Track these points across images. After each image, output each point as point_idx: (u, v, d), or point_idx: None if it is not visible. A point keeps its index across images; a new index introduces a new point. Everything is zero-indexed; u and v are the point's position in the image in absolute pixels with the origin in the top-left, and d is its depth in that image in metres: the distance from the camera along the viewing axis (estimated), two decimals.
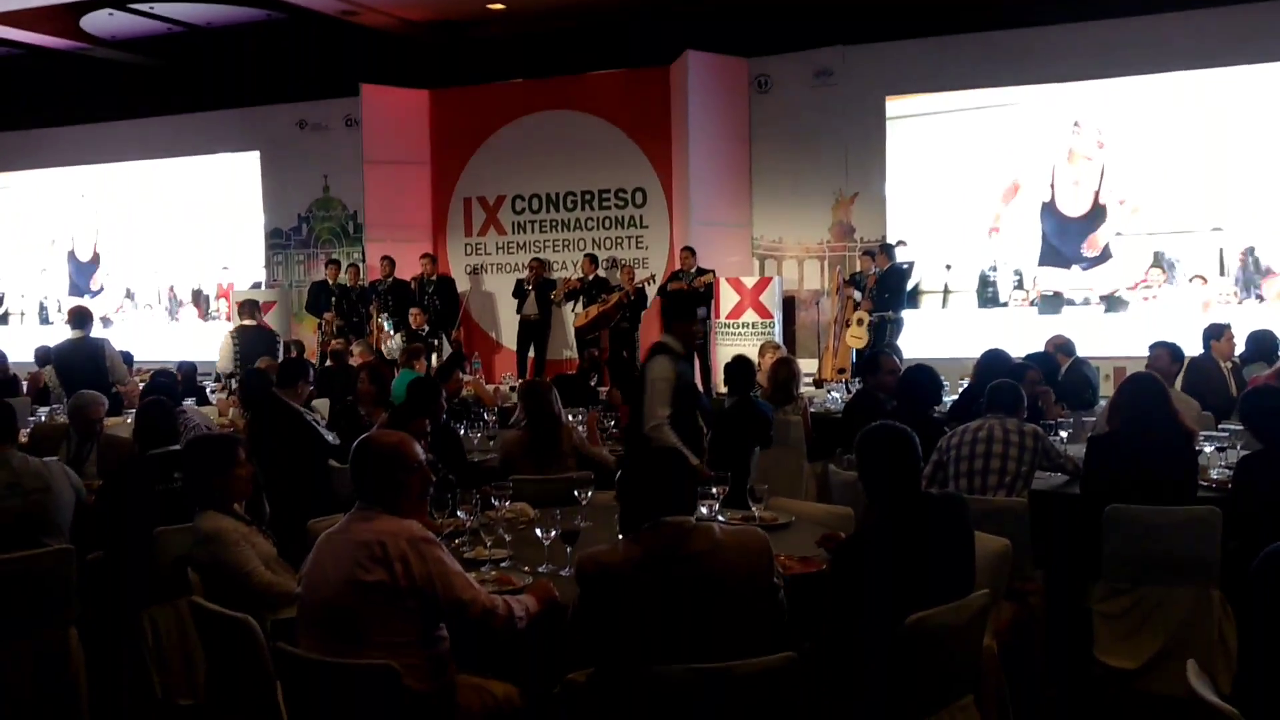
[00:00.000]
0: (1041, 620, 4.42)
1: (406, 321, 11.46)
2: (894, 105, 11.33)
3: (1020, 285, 10.91)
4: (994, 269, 11.02)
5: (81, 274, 15.18)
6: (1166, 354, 6.51)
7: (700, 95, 11.36)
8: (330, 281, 12.36)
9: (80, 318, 8.21)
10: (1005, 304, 10.93)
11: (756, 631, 2.78)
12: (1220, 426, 5.55)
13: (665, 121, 11.94)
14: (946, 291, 11.23)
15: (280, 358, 9.13)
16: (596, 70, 12.35)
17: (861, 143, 11.42)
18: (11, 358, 9.48)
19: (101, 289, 15.00)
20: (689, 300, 10.24)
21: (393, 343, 11.11)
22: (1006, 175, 10.96)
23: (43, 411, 7.70)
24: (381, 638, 2.84)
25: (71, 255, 15.21)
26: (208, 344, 12.65)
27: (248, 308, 10.41)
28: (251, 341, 9.71)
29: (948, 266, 11.20)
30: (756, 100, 11.90)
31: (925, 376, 5.49)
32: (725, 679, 2.60)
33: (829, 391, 8.53)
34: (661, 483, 2.85)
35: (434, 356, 10.25)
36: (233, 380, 9.05)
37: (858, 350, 10.26)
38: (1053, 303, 10.74)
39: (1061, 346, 7.61)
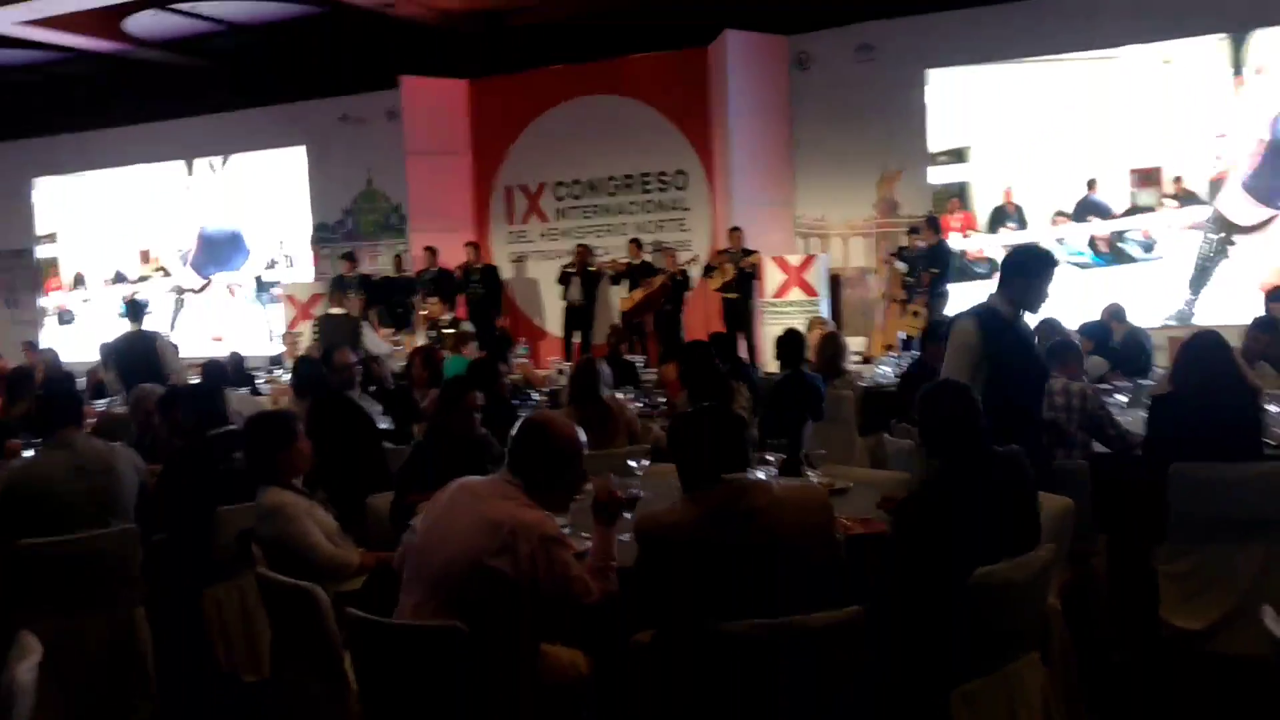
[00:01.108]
0: (1104, 584, 4.36)
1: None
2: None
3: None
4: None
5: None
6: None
7: (740, 75, 11.31)
8: (345, 275, 12.31)
9: (135, 310, 8.32)
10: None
11: (819, 587, 2.76)
12: None
13: (705, 102, 11.90)
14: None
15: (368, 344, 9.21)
16: (634, 53, 12.33)
17: (904, 118, 11.31)
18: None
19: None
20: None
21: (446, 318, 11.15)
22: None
23: (100, 404, 7.83)
24: (487, 614, 2.82)
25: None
26: (258, 336, 12.85)
27: (335, 295, 10.52)
28: (335, 329, 9.79)
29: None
30: (797, 78, 11.82)
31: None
32: (792, 634, 2.59)
33: (878, 366, 8.46)
34: (717, 440, 2.83)
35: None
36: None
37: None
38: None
39: (1115, 314, 7.50)
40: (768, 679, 2.61)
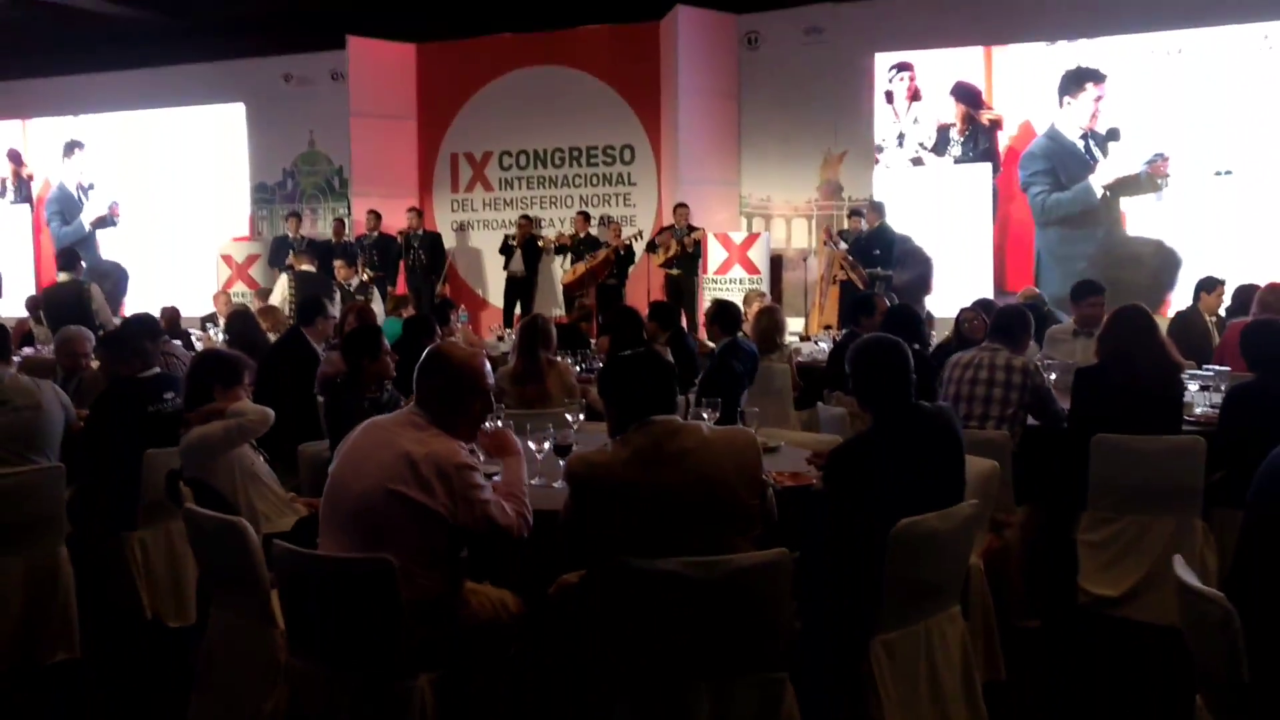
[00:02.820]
0: (1019, 554, 4.46)
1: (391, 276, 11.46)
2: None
3: None
4: None
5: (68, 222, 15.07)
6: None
7: (690, 52, 11.31)
8: (291, 235, 12.20)
9: (68, 259, 8.16)
10: None
11: (747, 528, 2.81)
12: (1204, 367, 5.60)
13: (654, 78, 11.90)
14: None
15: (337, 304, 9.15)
16: (586, 25, 12.27)
17: (851, 101, 11.40)
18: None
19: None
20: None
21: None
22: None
23: (27, 350, 7.67)
24: (404, 545, 2.82)
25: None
26: (191, 295, 12.62)
27: (308, 254, 10.40)
28: (311, 286, 9.66)
29: None
30: (746, 57, 11.85)
31: (908, 314, 5.50)
32: (719, 572, 2.62)
33: (817, 342, 8.55)
34: (645, 382, 2.86)
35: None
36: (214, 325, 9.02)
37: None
38: None
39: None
40: (694, 619, 2.65)
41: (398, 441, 2.91)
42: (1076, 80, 10.63)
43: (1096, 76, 10.55)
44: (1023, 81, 10.92)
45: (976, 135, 11.15)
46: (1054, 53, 10.68)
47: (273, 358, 5.89)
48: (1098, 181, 10.62)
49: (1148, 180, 10.38)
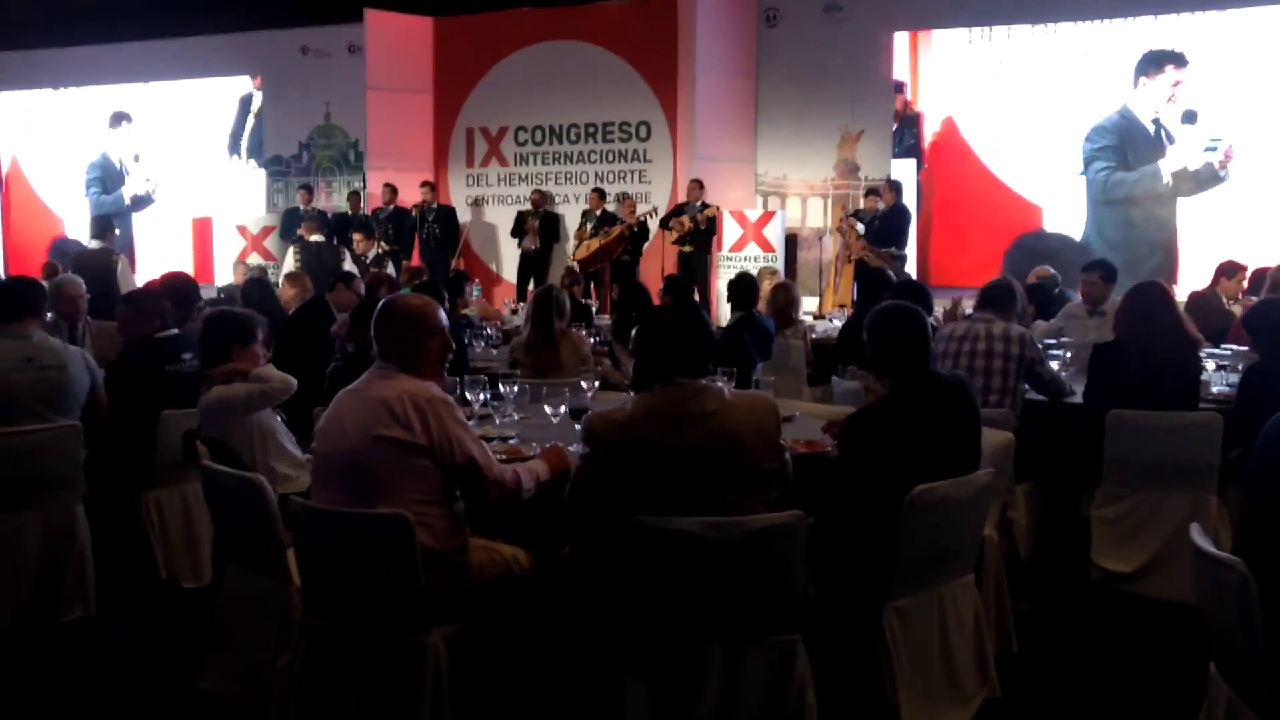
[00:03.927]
0: (1027, 534, 4.44)
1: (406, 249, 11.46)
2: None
3: None
4: None
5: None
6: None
7: (708, 28, 11.27)
8: (302, 208, 12.17)
9: (102, 227, 8.21)
10: None
11: (765, 491, 2.81)
12: (1223, 346, 5.57)
13: (672, 54, 11.82)
14: None
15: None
16: (603, 1, 12.22)
17: (869, 80, 11.35)
18: None
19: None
20: None
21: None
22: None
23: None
24: (399, 493, 2.86)
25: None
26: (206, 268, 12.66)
27: (316, 222, 10.41)
28: (318, 257, 9.67)
29: None
30: (765, 35, 11.80)
31: (916, 288, 5.48)
32: (735, 533, 2.62)
33: (831, 320, 8.54)
34: (678, 342, 2.85)
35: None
36: None
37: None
38: None
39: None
40: (709, 579, 2.65)
41: (370, 394, 2.97)
42: (1156, 62, 10.38)
43: (1179, 60, 10.29)
44: (950, 75, 10.94)
45: (904, 130, 11.19)
46: (1065, 33, 10.61)
47: (295, 322, 5.95)
48: (1166, 167, 10.38)
49: (1207, 171, 10.17)
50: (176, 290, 5.20)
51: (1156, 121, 10.41)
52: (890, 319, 3.16)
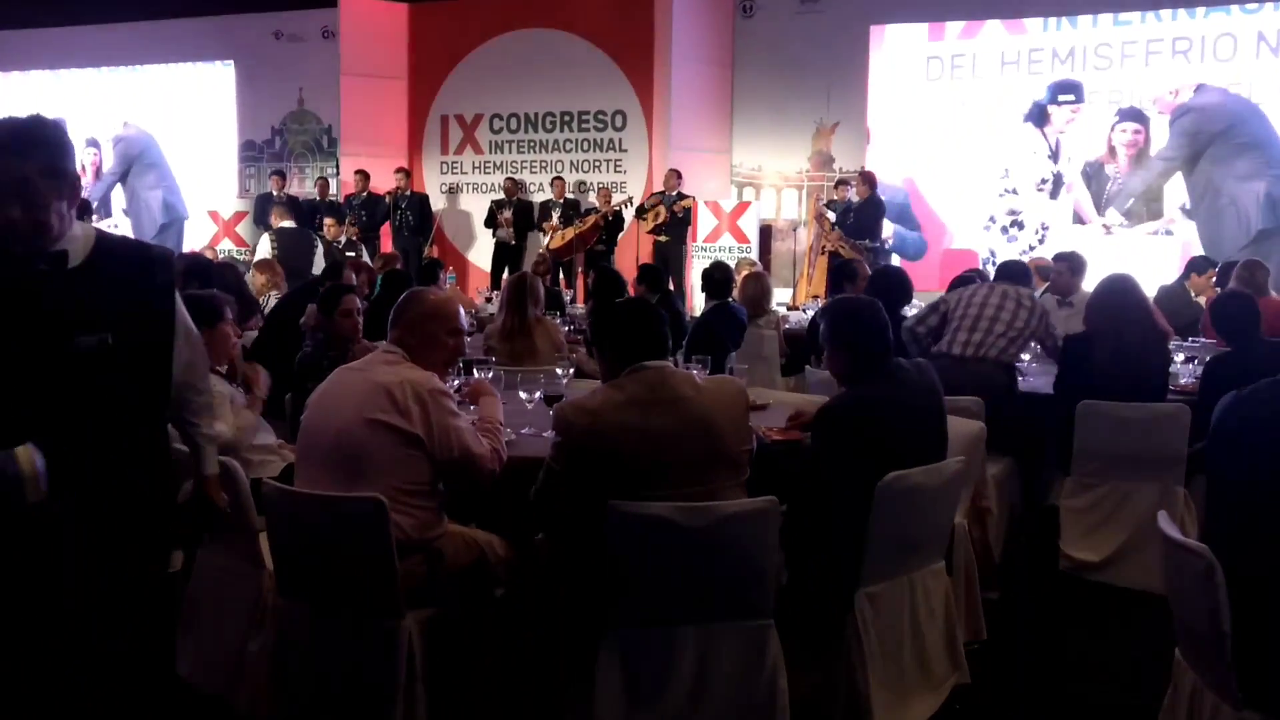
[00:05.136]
0: (998, 523, 4.49)
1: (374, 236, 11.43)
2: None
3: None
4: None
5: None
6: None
7: (685, 18, 11.28)
8: (275, 193, 12.05)
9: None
10: None
11: (737, 473, 2.82)
12: (1191, 340, 5.64)
13: (648, 44, 11.82)
14: None
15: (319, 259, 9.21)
16: None
17: (845, 73, 11.37)
18: None
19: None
20: None
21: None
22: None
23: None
24: (383, 479, 2.84)
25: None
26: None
27: (285, 207, 10.31)
28: (292, 242, 9.59)
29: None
30: (741, 25, 11.81)
31: (896, 276, 5.52)
32: (709, 518, 2.63)
33: (805, 310, 8.57)
34: (636, 328, 2.86)
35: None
36: None
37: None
38: None
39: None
40: (683, 563, 2.66)
41: (372, 376, 2.96)
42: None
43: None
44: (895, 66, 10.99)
45: None
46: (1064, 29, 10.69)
47: (280, 311, 5.96)
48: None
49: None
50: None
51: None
52: (848, 317, 3.17)
